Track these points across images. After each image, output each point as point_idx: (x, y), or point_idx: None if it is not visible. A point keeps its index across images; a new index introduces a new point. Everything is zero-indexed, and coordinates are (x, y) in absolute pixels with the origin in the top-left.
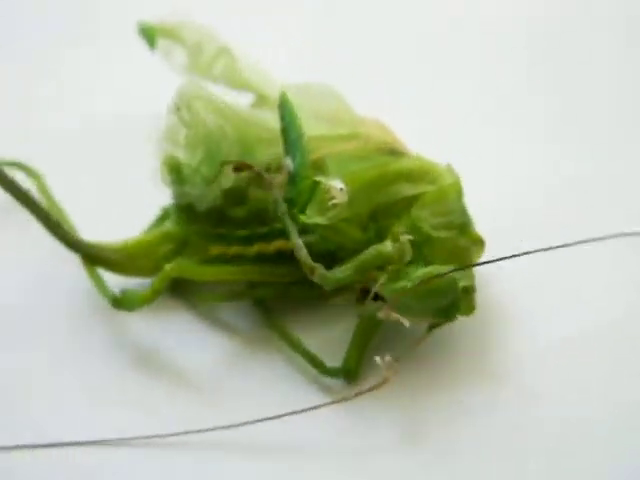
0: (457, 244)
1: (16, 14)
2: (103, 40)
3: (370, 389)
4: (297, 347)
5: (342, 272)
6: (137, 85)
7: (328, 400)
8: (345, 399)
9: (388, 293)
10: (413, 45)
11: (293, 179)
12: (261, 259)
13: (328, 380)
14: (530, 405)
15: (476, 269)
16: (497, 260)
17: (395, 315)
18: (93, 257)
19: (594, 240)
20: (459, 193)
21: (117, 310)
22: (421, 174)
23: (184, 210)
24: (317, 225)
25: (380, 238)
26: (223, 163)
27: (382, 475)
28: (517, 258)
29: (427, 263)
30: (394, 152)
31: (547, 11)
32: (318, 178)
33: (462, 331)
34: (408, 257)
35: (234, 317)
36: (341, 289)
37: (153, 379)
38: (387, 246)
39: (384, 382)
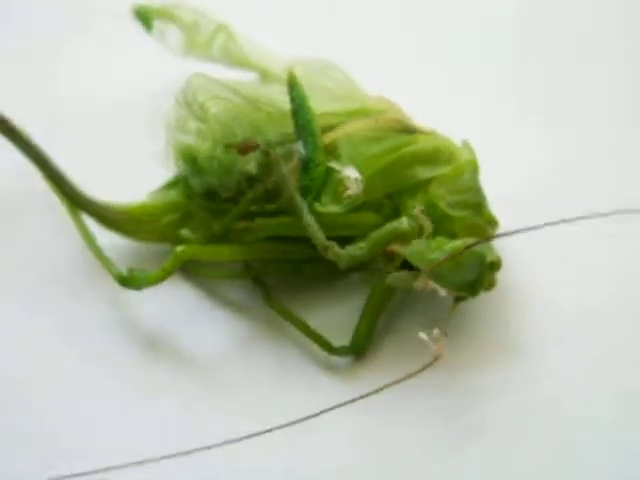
0: (473, 223)
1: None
2: (103, 22)
3: (424, 368)
4: (302, 327)
5: (357, 249)
6: (137, 65)
7: (337, 378)
8: (396, 382)
9: (422, 264)
10: (417, 20)
11: (306, 166)
12: (273, 237)
13: (335, 358)
14: (549, 381)
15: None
16: (533, 228)
17: (432, 284)
18: (98, 215)
19: (611, 214)
20: (475, 170)
21: (124, 288)
22: (437, 154)
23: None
24: (330, 214)
25: (396, 216)
26: (227, 145)
27: (406, 450)
28: (532, 235)
29: (451, 237)
30: (406, 129)
31: None
32: (332, 164)
33: (479, 308)
34: (429, 228)
35: (245, 294)
36: (356, 267)
37: (159, 357)
38: (403, 222)
39: (437, 358)
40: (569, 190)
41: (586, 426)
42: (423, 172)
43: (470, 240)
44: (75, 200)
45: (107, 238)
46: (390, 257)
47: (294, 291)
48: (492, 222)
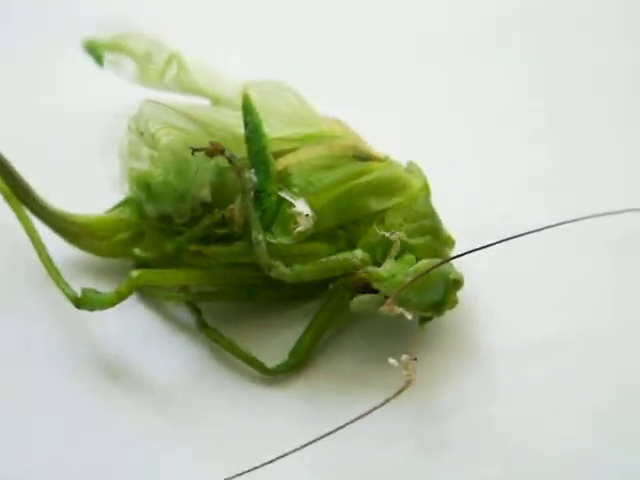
0: (432, 247)
1: None
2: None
3: (398, 393)
4: (234, 350)
5: (302, 269)
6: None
7: (299, 402)
8: (375, 409)
9: (387, 289)
10: (371, 39)
11: (258, 195)
12: (229, 263)
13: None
14: (505, 400)
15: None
16: (496, 243)
17: (398, 309)
18: (54, 225)
19: (570, 221)
20: (428, 194)
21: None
22: (390, 183)
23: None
24: (282, 244)
25: (351, 246)
26: (194, 150)
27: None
28: (488, 258)
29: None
30: (360, 156)
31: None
32: (283, 194)
33: (439, 329)
34: (398, 249)
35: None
36: (315, 292)
37: (116, 379)
38: (356, 255)
39: (409, 383)
40: (566, 194)
41: (543, 446)
42: (377, 203)
43: (433, 261)
44: (33, 208)
45: (68, 254)
46: (360, 286)
47: (245, 316)
48: (449, 242)
